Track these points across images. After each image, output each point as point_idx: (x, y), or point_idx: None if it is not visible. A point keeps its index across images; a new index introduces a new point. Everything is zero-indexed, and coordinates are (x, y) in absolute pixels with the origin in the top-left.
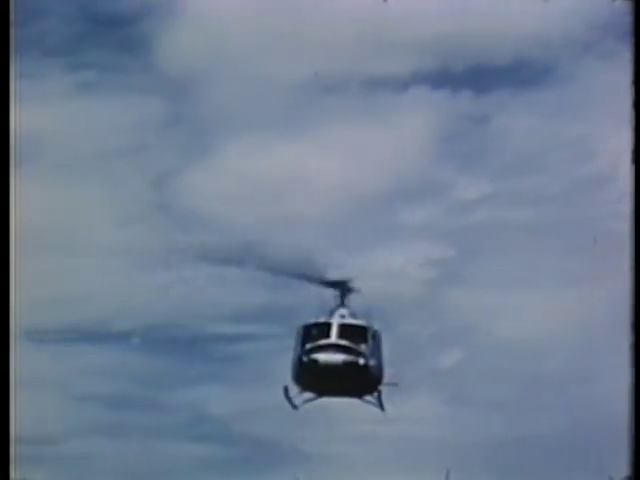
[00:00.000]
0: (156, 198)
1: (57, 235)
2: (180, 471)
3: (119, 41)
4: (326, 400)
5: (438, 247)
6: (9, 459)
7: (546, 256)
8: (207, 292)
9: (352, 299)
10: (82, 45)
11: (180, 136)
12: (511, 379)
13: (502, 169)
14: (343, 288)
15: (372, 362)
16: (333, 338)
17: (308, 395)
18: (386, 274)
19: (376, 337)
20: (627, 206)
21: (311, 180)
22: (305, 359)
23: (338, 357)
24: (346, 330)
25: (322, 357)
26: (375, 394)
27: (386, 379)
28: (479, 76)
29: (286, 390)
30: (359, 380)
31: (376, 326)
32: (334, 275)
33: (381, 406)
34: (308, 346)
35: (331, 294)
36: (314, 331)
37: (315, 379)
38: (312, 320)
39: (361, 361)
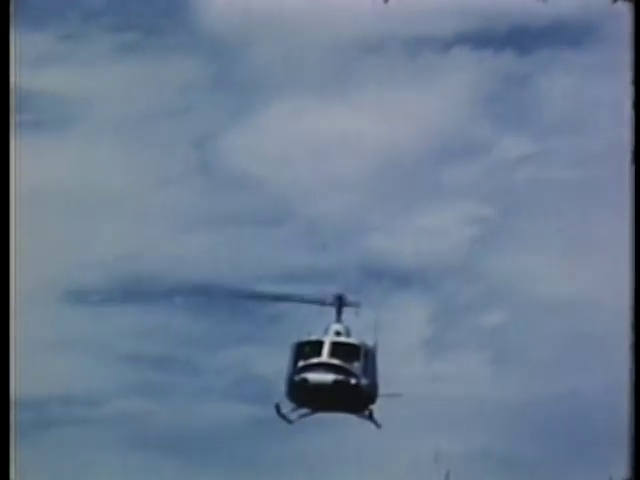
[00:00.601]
0: (199, 159)
1: (101, 195)
2: (225, 431)
3: (164, 2)
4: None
5: (480, 207)
6: (9, 459)
7: (588, 216)
8: (250, 252)
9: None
10: (127, 6)
11: (223, 97)
12: (553, 338)
13: (543, 129)
14: (339, 303)
15: (364, 381)
16: (324, 357)
17: (304, 410)
18: (428, 234)
19: (369, 355)
20: None
21: (353, 141)
22: (296, 378)
23: (328, 377)
24: (338, 348)
25: (312, 377)
26: (367, 412)
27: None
28: (521, 37)
29: (277, 408)
30: (350, 399)
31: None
32: (375, 241)
33: (375, 423)
34: (300, 364)
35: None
36: (307, 348)
37: (306, 397)
38: (305, 338)
39: (352, 380)
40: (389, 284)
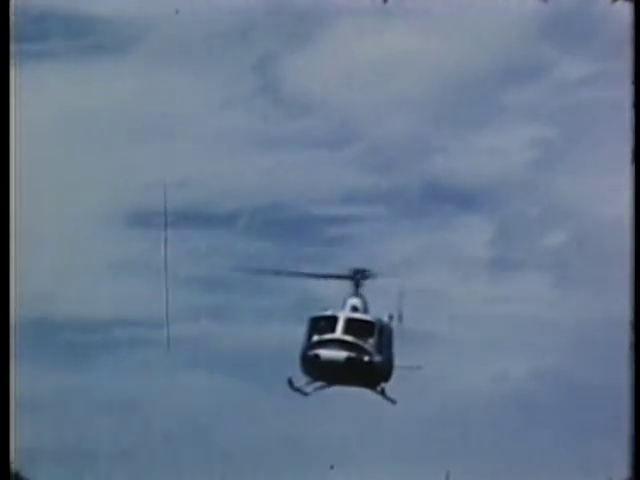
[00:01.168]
0: (261, 81)
1: (162, 119)
2: (288, 353)
3: None
4: (434, 277)
5: (543, 128)
6: (9, 457)
7: None
8: (312, 174)
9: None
10: None
11: (285, 19)
12: (617, 259)
13: (606, 49)
14: (357, 277)
15: (377, 358)
16: (338, 333)
17: (319, 383)
18: (491, 155)
19: (384, 331)
20: None
21: (416, 62)
22: (309, 353)
23: (341, 354)
24: (352, 325)
25: (324, 353)
26: (379, 389)
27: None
28: None
29: (290, 382)
30: (363, 376)
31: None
32: (437, 162)
33: (389, 400)
34: (314, 339)
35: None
36: (322, 323)
37: (318, 373)
38: (320, 312)
39: (365, 358)
40: (451, 205)
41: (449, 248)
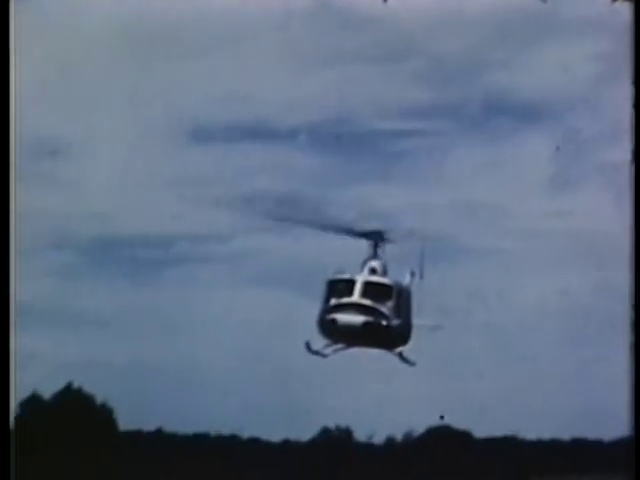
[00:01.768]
0: None
1: (224, 33)
2: (350, 267)
3: None
4: (495, 191)
5: (605, 42)
6: (9, 457)
7: None
8: (373, 89)
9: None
10: None
11: None
12: None
13: None
14: (377, 238)
15: (395, 322)
16: (355, 297)
17: (338, 345)
18: (551, 70)
19: (402, 294)
20: None
21: None
22: (326, 317)
23: (358, 318)
24: (370, 288)
25: (341, 317)
26: (397, 352)
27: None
28: None
29: (308, 346)
30: (381, 340)
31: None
32: (499, 77)
33: (407, 362)
34: (332, 302)
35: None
36: (339, 286)
37: (336, 337)
38: (338, 275)
39: (383, 322)
40: (513, 120)
41: (510, 163)
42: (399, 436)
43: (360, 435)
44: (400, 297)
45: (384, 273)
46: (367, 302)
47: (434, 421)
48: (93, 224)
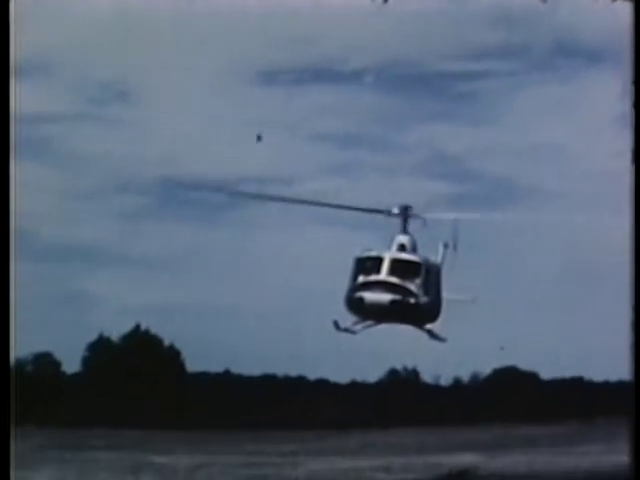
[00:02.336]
0: None
1: None
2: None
3: None
4: (561, 132)
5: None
6: (9, 457)
7: None
8: (440, 29)
9: None
10: None
11: None
12: None
13: None
14: (405, 214)
15: (424, 299)
16: (383, 275)
17: (367, 322)
18: (621, 9)
19: (431, 271)
20: None
21: None
22: (354, 296)
23: (385, 297)
24: (398, 265)
25: (368, 296)
26: (426, 329)
27: None
28: None
29: (336, 324)
30: (409, 318)
31: None
32: (568, 15)
33: (438, 338)
34: (359, 280)
35: None
36: (367, 264)
37: (363, 315)
38: (366, 253)
39: (411, 300)
40: (580, 60)
41: (578, 103)
42: (466, 378)
43: (427, 377)
44: (429, 274)
45: (413, 249)
46: (395, 280)
47: (500, 363)
48: (158, 167)
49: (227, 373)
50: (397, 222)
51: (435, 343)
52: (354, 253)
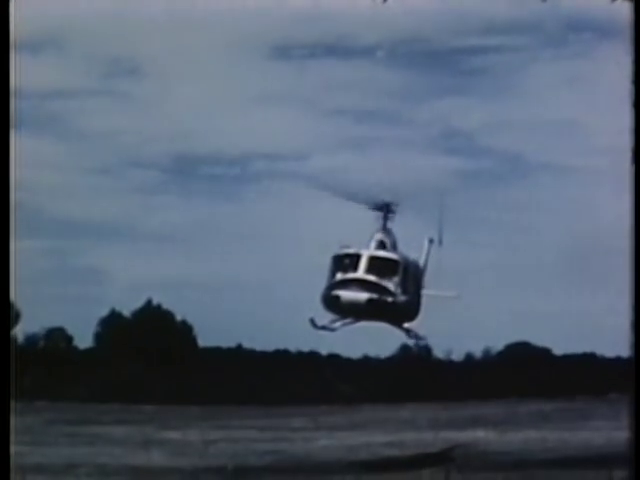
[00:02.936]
0: None
1: None
2: (427, 183)
3: None
4: (572, 107)
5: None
6: (9, 458)
7: None
8: (451, 5)
9: None
10: None
11: None
12: None
13: None
14: (386, 210)
15: (401, 298)
16: (360, 272)
17: (346, 320)
18: None
19: (409, 270)
20: None
21: None
22: (330, 293)
23: (362, 295)
24: (376, 263)
25: (345, 294)
26: (405, 328)
27: None
28: None
29: (313, 322)
30: (386, 316)
31: None
32: None
33: (418, 338)
34: (337, 277)
35: None
36: (345, 261)
37: (340, 314)
38: (344, 250)
39: (388, 298)
40: (590, 35)
41: (588, 79)
42: (478, 353)
43: (439, 352)
44: (407, 272)
45: (393, 246)
46: (372, 278)
47: (513, 338)
48: (171, 142)
49: (239, 348)
50: (413, 204)
51: (448, 317)
52: (369, 228)
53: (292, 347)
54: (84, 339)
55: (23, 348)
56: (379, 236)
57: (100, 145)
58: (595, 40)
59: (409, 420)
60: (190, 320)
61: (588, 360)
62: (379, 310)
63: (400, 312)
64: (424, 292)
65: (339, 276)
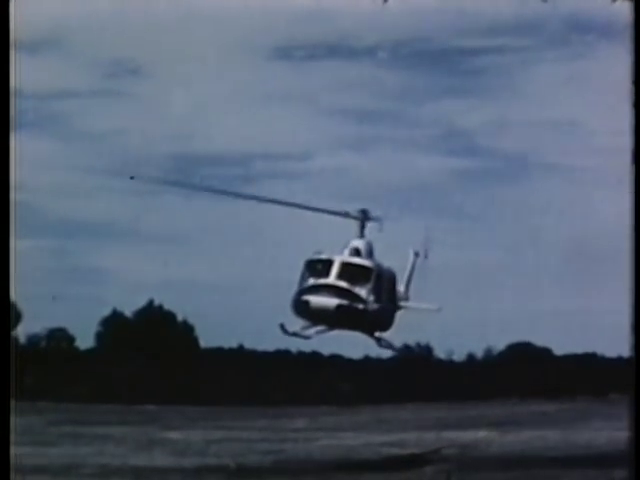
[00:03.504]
0: None
1: None
2: (429, 183)
3: None
4: (574, 107)
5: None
6: (9, 459)
7: None
8: (454, 5)
9: None
10: None
11: None
12: None
13: None
14: (363, 217)
15: (374, 306)
16: (331, 278)
17: (320, 327)
18: None
19: (383, 277)
20: None
21: None
22: (300, 299)
23: (332, 301)
24: (348, 270)
25: (314, 300)
26: (376, 336)
27: None
28: None
29: (283, 328)
30: (357, 324)
31: None
32: None
33: (389, 347)
34: (309, 282)
35: None
36: (318, 267)
37: (310, 320)
38: (316, 255)
39: (359, 306)
40: (591, 35)
41: (588, 78)
42: (479, 353)
43: (440, 352)
44: (381, 280)
45: (369, 254)
46: (343, 284)
47: (514, 338)
48: (173, 143)
49: (241, 348)
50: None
51: (448, 318)
52: (372, 231)
53: (293, 347)
54: (86, 339)
55: (25, 348)
56: (354, 243)
57: (101, 145)
58: (596, 40)
59: (410, 420)
60: (192, 320)
61: (589, 360)
62: (349, 317)
63: (372, 320)
64: (404, 304)
65: (311, 281)
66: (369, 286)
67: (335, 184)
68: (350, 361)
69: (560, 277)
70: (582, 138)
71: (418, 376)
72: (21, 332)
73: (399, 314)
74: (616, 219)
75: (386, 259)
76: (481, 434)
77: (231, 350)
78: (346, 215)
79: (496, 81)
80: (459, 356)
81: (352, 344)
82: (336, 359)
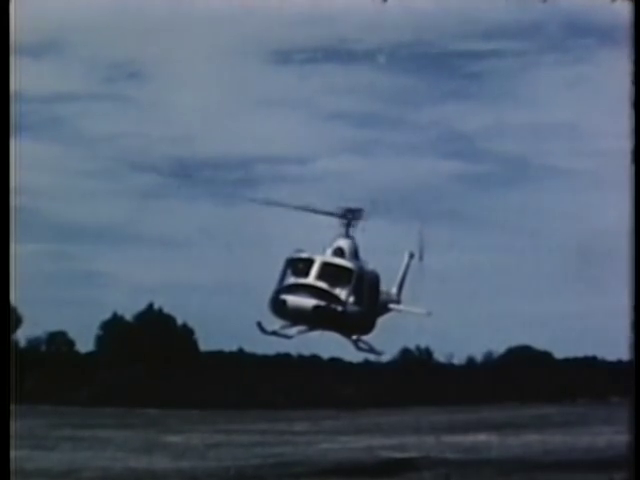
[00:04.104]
0: None
1: None
2: (429, 186)
3: None
4: (573, 111)
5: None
6: (9, 462)
7: None
8: (452, 9)
9: None
10: None
11: None
12: None
13: None
14: (351, 217)
15: (352, 308)
16: (310, 279)
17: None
18: None
19: (365, 280)
20: None
21: None
22: (278, 297)
23: (309, 302)
24: (328, 270)
25: (292, 300)
26: (354, 339)
27: None
28: None
29: (260, 326)
30: (335, 325)
31: None
32: None
33: (374, 352)
34: (288, 282)
35: None
36: (299, 265)
37: (286, 319)
38: (297, 254)
39: (337, 307)
40: (591, 37)
41: (589, 83)
42: (479, 357)
43: (440, 355)
44: (362, 282)
45: (354, 255)
46: (322, 285)
47: (514, 342)
48: (172, 146)
49: (241, 352)
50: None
51: (447, 322)
52: (371, 234)
53: (293, 351)
54: (86, 343)
55: (25, 352)
56: (338, 243)
57: (101, 149)
58: (595, 43)
59: (411, 423)
60: (191, 324)
61: (589, 364)
62: (327, 318)
63: (350, 322)
64: (394, 307)
65: (291, 280)
66: (349, 288)
67: (335, 187)
68: (350, 365)
69: (560, 280)
70: (581, 141)
71: (418, 380)
72: (21, 336)
73: (397, 316)
74: (616, 222)
75: (382, 261)
76: (481, 437)
77: (231, 353)
78: (330, 214)
79: (496, 84)
80: (459, 360)
81: (351, 347)
82: (336, 363)
